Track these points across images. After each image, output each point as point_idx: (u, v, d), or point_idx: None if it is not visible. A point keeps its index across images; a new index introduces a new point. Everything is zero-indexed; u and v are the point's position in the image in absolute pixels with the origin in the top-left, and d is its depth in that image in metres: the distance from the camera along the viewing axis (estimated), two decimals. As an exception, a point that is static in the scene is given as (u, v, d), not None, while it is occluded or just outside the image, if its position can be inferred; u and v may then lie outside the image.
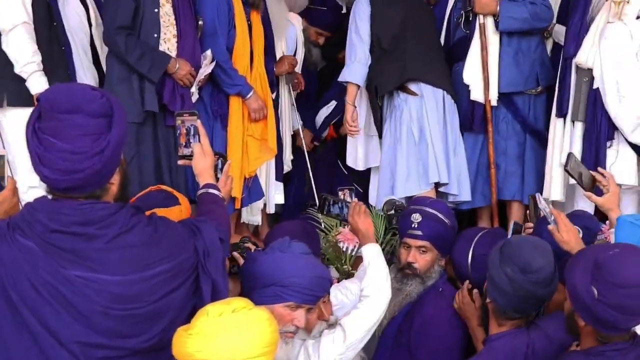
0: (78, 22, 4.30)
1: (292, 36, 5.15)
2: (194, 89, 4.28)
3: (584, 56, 4.05)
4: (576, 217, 3.20)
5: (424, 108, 4.44)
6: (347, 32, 4.67)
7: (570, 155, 3.37)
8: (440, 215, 3.50)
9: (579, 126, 4.13)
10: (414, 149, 4.44)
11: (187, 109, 3.96)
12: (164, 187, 2.77)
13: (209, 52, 4.30)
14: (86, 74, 4.29)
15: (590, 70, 4.04)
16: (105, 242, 2.06)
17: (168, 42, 4.18)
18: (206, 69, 4.29)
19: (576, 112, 4.12)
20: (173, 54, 4.17)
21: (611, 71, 3.97)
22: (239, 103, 4.45)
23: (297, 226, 3.45)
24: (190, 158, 2.62)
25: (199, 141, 2.61)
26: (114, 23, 4.07)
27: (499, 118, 4.53)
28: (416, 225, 3.44)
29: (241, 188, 4.46)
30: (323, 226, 4.10)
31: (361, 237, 3.11)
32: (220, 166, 2.69)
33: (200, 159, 2.58)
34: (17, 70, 3.98)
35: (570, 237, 2.82)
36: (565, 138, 4.20)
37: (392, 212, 4.05)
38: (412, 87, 4.46)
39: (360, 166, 4.88)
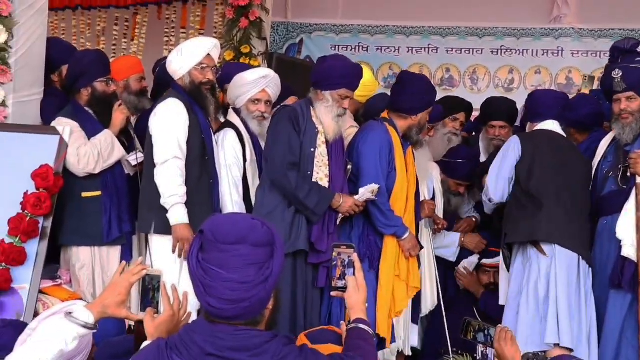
0: (233, 157, 4.46)
1: (431, 182, 5.18)
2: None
3: None
4: None
5: (554, 270, 4.38)
6: None
7: None
8: None
9: None
10: (534, 305, 4.40)
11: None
12: (335, 328, 2.71)
13: (376, 185, 4.32)
14: (234, 207, 4.40)
15: None
16: None
17: (320, 182, 4.28)
18: (367, 194, 4.30)
19: None
20: None
21: None
22: (394, 244, 4.45)
23: None
24: (343, 290, 2.58)
25: (354, 274, 2.58)
26: (285, 159, 4.20)
27: (651, 279, 4.33)
28: None
29: (390, 328, 4.40)
30: (458, 374, 3.94)
31: None
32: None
33: (354, 293, 2.57)
34: (162, 201, 4.15)
35: None
36: None
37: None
38: (544, 246, 4.43)
39: (503, 300, 4.73)
